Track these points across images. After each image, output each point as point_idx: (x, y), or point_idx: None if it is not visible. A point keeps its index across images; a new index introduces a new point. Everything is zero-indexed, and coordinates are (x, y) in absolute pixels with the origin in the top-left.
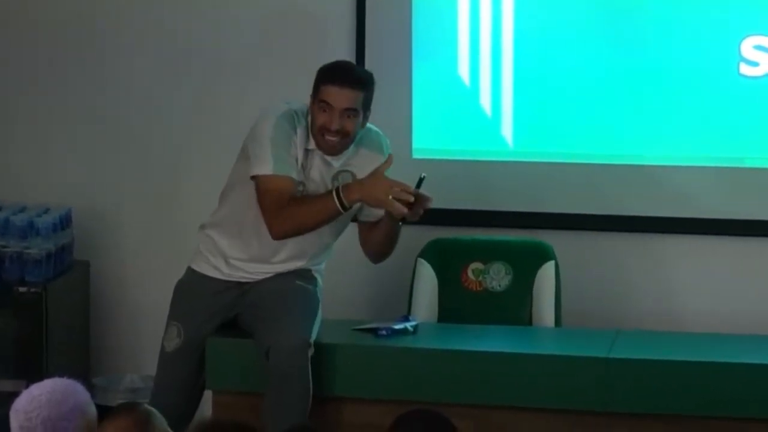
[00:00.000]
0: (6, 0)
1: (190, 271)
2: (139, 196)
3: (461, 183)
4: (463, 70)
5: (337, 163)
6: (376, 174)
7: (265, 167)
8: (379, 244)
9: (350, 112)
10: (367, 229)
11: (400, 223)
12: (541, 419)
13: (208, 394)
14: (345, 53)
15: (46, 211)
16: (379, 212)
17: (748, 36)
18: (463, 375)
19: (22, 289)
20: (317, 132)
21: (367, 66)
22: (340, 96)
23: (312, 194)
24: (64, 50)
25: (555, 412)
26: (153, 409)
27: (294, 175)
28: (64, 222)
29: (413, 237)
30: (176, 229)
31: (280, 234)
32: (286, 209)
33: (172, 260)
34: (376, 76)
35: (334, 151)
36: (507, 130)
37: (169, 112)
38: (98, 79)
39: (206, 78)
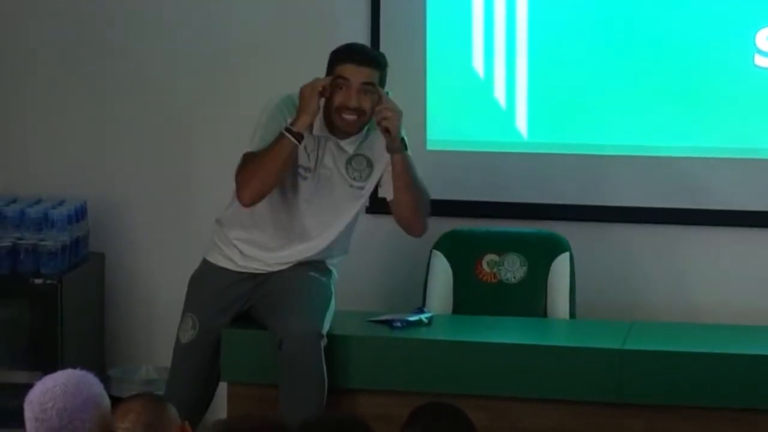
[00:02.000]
0: None
1: (205, 263)
2: (154, 188)
3: (476, 175)
4: (478, 62)
5: (350, 147)
6: (303, 95)
7: (251, 146)
8: (405, 204)
9: (368, 87)
10: (393, 205)
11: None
12: (556, 411)
13: (222, 386)
14: None
15: (62, 203)
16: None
17: (763, 27)
18: (477, 366)
19: (37, 281)
20: (335, 111)
21: None
22: (357, 72)
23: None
24: (79, 43)
25: (569, 404)
26: (162, 396)
27: None
28: (80, 214)
29: (428, 228)
30: (191, 220)
31: (247, 197)
32: (245, 168)
33: (186, 252)
34: (390, 69)
35: (352, 129)
36: (521, 122)
37: (182, 103)
38: (113, 72)
39: (220, 69)
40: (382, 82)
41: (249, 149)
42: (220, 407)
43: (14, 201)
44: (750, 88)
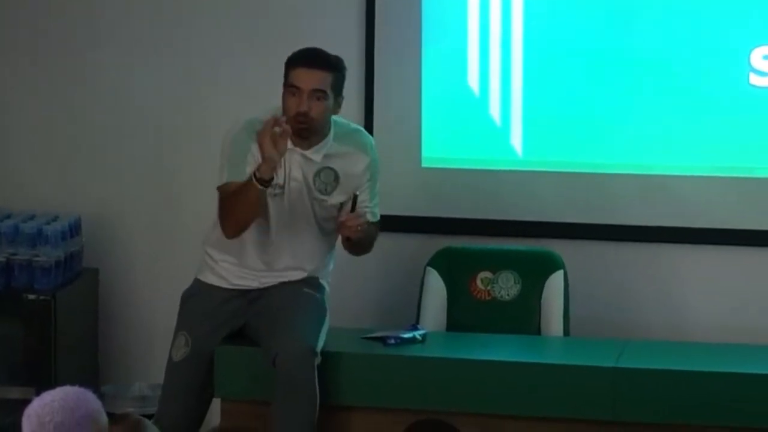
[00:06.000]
0: (11, 8)
1: (197, 281)
2: (148, 204)
3: (470, 192)
4: (473, 80)
5: (316, 156)
6: (259, 140)
7: (221, 179)
8: (348, 246)
9: (318, 93)
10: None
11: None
12: (549, 429)
13: (215, 402)
14: (354, 63)
15: (56, 218)
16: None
17: (757, 46)
18: (471, 384)
19: (31, 297)
20: (291, 120)
21: (377, 76)
22: (308, 77)
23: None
24: (71, 59)
25: (563, 422)
26: (143, 419)
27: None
28: (74, 230)
29: (422, 245)
30: (185, 237)
31: (228, 233)
32: (222, 206)
33: (181, 268)
34: (386, 86)
35: (303, 134)
36: (516, 140)
37: (177, 120)
38: (106, 88)
39: (213, 84)
40: (337, 86)
41: (219, 182)
42: (213, 424)
43: (8, 217)
44: (745, 106)
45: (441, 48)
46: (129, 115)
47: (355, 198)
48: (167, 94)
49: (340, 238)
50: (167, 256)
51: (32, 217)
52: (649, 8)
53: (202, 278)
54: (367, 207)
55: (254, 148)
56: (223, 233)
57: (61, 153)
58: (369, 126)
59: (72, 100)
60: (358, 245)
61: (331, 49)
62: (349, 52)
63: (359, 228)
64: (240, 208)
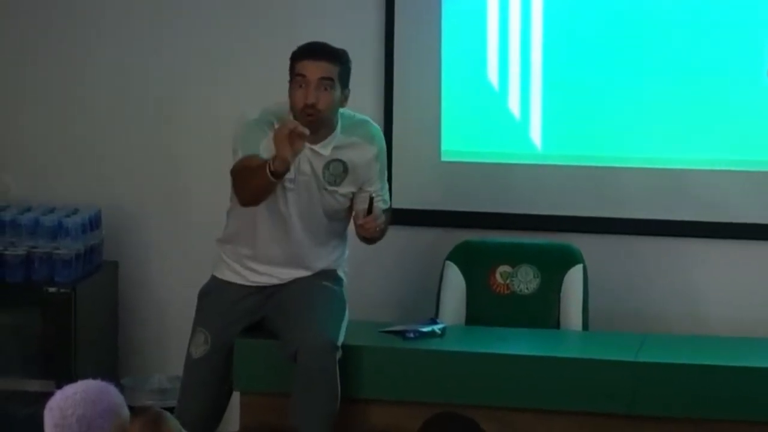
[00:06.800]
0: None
1: (213, 278)
2: (168, 198)
3: (490, 186)
4: (492, 74)
5: (325, 150)
6: (275, 137)
7: (235, 159)
8: (361, 237)
9: (326, 82)
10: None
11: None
12: (568, 423)
13: (235, 395)
14: (373, 57)
15: (76, 211)
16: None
17: None
18: (490, 378)
19: (51, 290)
20: (299, 113)
21: (397, 71)
22: (315, 67)
23: (257, 162)
24: (92, 52)
25: (582, 416)
26: (164, 411)
27: (261, 153)
28: (94, 223)
29: (441, 239)
30: (204, 231)
31: (243, 203)
32: (237, 177)
33: (200, 261)
34: (405, 80)
35: (311, 127)
36: (535, 134)
37: (196, 114)
38: (126, 81)
39: (231, 77)
40: (343, 78)
41: (234, 162)
42: (233, 417)
43: (29, 209)
44: (764, 100)
45: (461, 42)
46: (150, 109)
47: (371, 200)
48: (187, 89)
49: (351, 225)
50: (187, 249)
51: (52, 210)
52: (668, 2)
53: (219, 275)
54: (378, 196)
55: (270, 136)
56: (238, 201)
57: (81, 146)
58: (388, 120)
59: (93, 95)
60: (374, 238)
61: (351, 44)
62: (369, 46)
63: (377, 229)
64: (255, 185)
